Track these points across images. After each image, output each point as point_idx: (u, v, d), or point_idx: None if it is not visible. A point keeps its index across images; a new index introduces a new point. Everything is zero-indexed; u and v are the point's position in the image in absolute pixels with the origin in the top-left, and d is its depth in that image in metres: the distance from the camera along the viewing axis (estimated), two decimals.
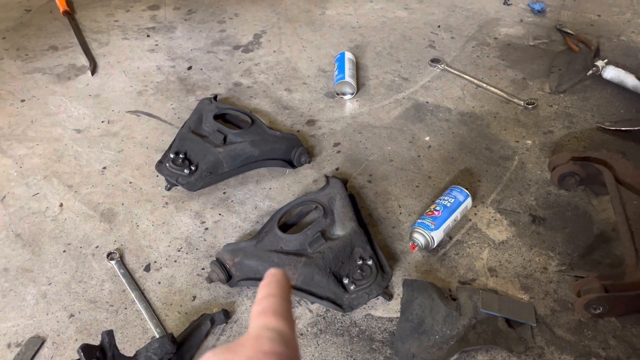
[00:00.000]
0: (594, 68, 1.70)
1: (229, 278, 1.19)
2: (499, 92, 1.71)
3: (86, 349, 0.88)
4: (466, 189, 1.32)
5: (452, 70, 1.83)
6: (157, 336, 1.10)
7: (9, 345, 1.13)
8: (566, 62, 1.81)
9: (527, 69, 1.82)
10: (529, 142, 1.54)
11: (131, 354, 1.00)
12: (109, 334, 0.93)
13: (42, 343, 1.13)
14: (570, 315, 1.12)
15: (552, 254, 1.24)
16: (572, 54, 1.84)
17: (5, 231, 1.37)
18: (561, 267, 1.21)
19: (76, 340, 1.13)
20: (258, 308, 0.41)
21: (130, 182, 1.48)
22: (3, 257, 1.31)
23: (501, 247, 1.26)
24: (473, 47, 1.95)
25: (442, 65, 1.84)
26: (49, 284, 1.24)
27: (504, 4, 2.19)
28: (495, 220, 1.33)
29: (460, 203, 1.30)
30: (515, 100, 1.67)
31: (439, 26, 2.08)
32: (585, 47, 1.84)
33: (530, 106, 1.64)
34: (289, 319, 0.41)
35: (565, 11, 2.11)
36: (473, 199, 1.35)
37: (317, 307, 1.17)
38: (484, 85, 1.75)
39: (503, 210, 1.35)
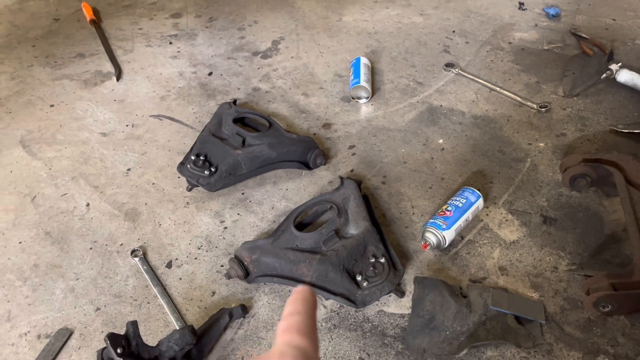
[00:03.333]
0: (607, 71, 1.72)
1: (246, 274, 1.24)
2: (512, 95, 1.74)
3: (112, 337, 0.93)
4: (478, 190, 1.35)
5: (466, 75, 1.86)
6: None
7: (39, 337, 1.20)
8: (580, 65, 1.83)
9: (541, 72, 1.84)
10: (542, 144, 1.56)
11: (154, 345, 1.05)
12: (133, 324, 0.98)
13: (70, 334, 1.20)
14: (579, 313, 1.14)
15: (562, 253, 1.26)
16: (586, 58, 1.86)
17: (35, 229, 1.44)
18: (571, 267, 1.23)
19: (102, 332, 1.19)
20: (284, 324, 0.42)
21: (153, 183, 1.55)
22: (33, 253, 1.38)
23: (512, 247, 1.29)
24: (487, 51, 1.98)
25: (457, 70, 1.88)
26: (77, 279, 1.31)
27: (519, 9, 2.21)
28: (506, 220, 1.36)
29: (472, 204, 1.33)
30: (529, 103, 1.70)
31: (453, 31, 2.11)
32: (599, 50, 1.85)
33: (543, 109, 1.66)
34: (313, 337, 0.42)
35: (580, 15, 2.13)
36: (485, 200, 1.38)
37: (331, 303, 1.21)
38: (498, 89, 1.77)
39: (514, 211, 1.37)
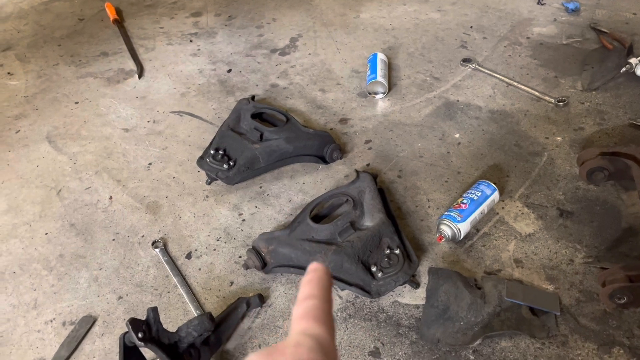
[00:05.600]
0: (627, 65, 1.70)
1: (263, 265, 1.26)
2: (529, 90, 1.73)
3: (134, 322, 0.97)
4: (494, 183, 1.36)
5: (483, 70, 1.86)
6: None
7: (64, 324, 1.24)
8: (599, 59, 1.81)
9: (560, 67, 1.83)
10: (559, 138, 1.55)
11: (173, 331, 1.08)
12: (154, 310, 1.01)
13: (94, 322, 1.24)
14: (595, 306, 1.14)
15: (579, 246, 1.26)
16: (606, 52, 1.84)
17: (61, 221, 1.49)
18: (587, 259, 1.23)
19: (124, 319, 1.23)
20: (299, 311, 0.40)
21: (174, 177, 1.58)
22: (59, 244, 1.42)
23: (528, 240, 1.29)
24: (505, 46, 1.98)
25: (474, 65, 1.88)
26: (100, 269, 1.35)
27: (538, 3, 2.20)
28: (522, 214, 1.36)
29: (487, 196, 1.33)
30: (546, 97, 1.69)
31: (471, 27, 2.11)
32: (619, 44, 1.83)
33: (561, 103, 1.66)
34: (329, 324, 0.40)
35: (600, 10, 2.11)
36: (501, 194, 1.38)
37: (347, 293, 1.23)
38: (515, 83, 1.77)
39: (531, 205, 1.38)
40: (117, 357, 1.15)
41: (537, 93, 1.72)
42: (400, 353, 1.11)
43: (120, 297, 1.28)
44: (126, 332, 0.98)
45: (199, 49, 2.17)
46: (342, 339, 1.15)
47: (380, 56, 1.85)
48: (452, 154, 1.56)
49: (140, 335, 0.96)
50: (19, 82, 2.08)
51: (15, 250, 1.42)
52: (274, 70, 2.00)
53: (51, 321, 1.24)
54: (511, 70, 1.85)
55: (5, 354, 1.19)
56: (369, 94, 1.79)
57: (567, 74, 1.80)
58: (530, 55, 1.91)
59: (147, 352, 1.03)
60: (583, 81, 1.74)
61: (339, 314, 1.19)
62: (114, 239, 1.42)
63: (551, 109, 1.66)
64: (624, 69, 1.70)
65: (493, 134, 1.61)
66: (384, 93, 1.78)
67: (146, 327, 0.98)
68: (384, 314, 1.18)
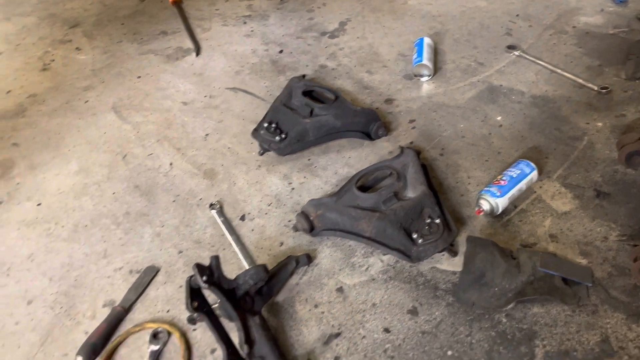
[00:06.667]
0: None
1: (311, 228, 1.37)
2: (573, 77, 1.77)
3: (199, 267, 1.08)
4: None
5: (527, 57, 1.90)
6: None
7: (130, 272, 1.37)
8: None
9: (604, 56, 1.86)
10: (600, 124, 1.60)
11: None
12: (216, 258, 1.13)
13: (157, 272, 1.37)
14: (626, 280, 1.20)
15: (613, 225, 1.32)
16: None
17: (126, 183, 1.63)
18: (621, 237, 1.28)
19: (184, 271, 1.36)
20: None
21: (229, 147, 1.70)
22: (125, 203, 1.56)
23: (563, 217, 1.35)
24: (550, 35, 2.01)
25: (518, 52, 1.93)
26: (162, 226, 1.48)
27: None
28: (559, 193, 1.42)
29: (526, 175, 1.40)
30: (589, 85, 1.73)
31: (517, 15, 2.15)
32: None
33: (604, 91, 1.69)
34: None
35: None
36: (539, 174, 1.44)
37: (388, 258, 1.32)
38: (559, 71, 1.81)
39: (568, 185, 1.43)
40: (179, 302, 1.29)
41: (580, 80, 1.76)
42: (436, 313, 1.19)
43: (180, 252, 1.41)
44: (192, 276, 1.09)
45: (252, 31, 2.28)
46: (382, 297, 1.24)
47: (427, 40, 1.92)
48: (493, 135, 1.62)
49: (204, 278, 1.07)
50: (86, 56, 2.24)
51: (86, 207, 1.56)
52: (323, 52, 2.09)
53: (119, 269, 1.38)
54: (555, 58, 1.89)
55: (80, 295, 1.33)
56: (415, 76, 1.87)
57: (611, 63, 1.83)
58: (576, 44, 1.95)
59: (209, 295, 1.15)
60: (627, 70, 1.77)
61: (380, 276, 1.28)
62: (174, 201, 1.55)
63: (593, 96, 1.70)
64: None
65: (534, 118, 1.66)
66: (429, 76, 1.85)
67: (209, 273, 1.10)
68: (423, 278, 1.27)
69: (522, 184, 1.39)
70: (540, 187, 1.44)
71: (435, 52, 1.97)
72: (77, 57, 2.24)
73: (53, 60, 2.25)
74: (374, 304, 1.23)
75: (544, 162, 1.50)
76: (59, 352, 1.21)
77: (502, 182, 1.37)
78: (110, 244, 1.45)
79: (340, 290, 1.27)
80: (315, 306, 1.24)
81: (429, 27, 2.15)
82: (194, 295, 1.10)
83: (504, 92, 1.77)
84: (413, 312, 1.20)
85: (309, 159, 1.63)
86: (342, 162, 1.61)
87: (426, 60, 1.83)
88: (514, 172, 1.40)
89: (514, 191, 1.37)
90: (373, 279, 1.28)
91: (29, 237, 1.49)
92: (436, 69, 1.90)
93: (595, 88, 1.71)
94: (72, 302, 1.32)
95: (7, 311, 1.31)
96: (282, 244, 1.39)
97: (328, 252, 1.36)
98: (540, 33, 2.03)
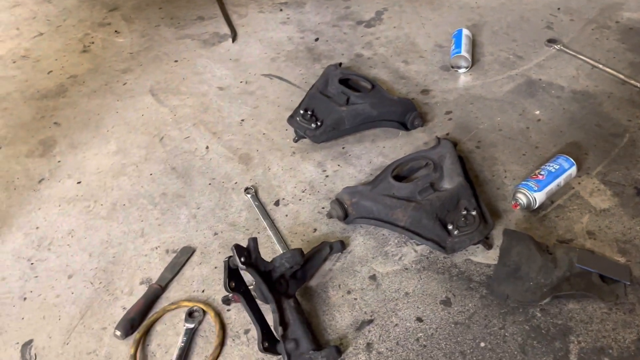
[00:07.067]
0: None
1: (345, 216, 1.37)
2: (615, 73, 1.74)
3: (238, 248, 1.10)
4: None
5: (568, 51, 1.87)
6: None
7: (167, 251, 1.40)
8: None
9: None
10: None
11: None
12: (254, 240, 1.15)
13: (193, 252, 1.39)
14: None
15: None
16: None
17: (163, 165, 1.66)
18: None
19: (219, 252, 1.38)
20: None
21: (264, 133, 1.72)
22: (162, 184, 1.59)
23: (602, 214, 1.33)
24: (592, 29, 1.97)
25: (559, 46, 1.89)
26: (198, 208, 1.50)
27: None
28: (598, 190, 1.40)
29: (565, 170, 1.38)
30: (632, 81, 1.69)
31: (558, 9, 2.11)
32: None
33: None
34: None
35: None
36: (578, 170, 1.42)
37: (422, 248, 1.32)
38: (600, 66, 1.78)
39: (608, 182, 1.41)
40: (214, 283, 1.31)
41: (622, 76, 1.72)
42: (470, 305, 1.19)
43: (216, 234, 1.43)
44: (230, 256, 1.11)
45: (288, 18, 2.29)
46: (415, 287, 1.24)
47: (466, 32, 1.90)
48: (531, 130, 1.60)
49: (242, 259, 1.09)
50: (124, 39, 2.27)
51: (124, 186, 1.60)
52: (359, 41, 2.09)
53: (156, 248, 1.41)
54: (597, 53, 1.85)
55: (117, 272, 1.37)
56: (452, 67, 1.85)
57: None
58: (618, 39, 1.90)
59: (246, 276, 1.16)
60: None
61: (413, 266, 1.29)
62: (210, 184, 1.57)
63: (636, 92, 1.67)
64: None
65: (574, 113, 1.63)
66: (466, 67, 1.84)
67: (247, 254, 1.12)
68: (457, 269, 1.27)
69: (561, 179, 1.37)
70: (579, 183, 1.42)
71: (473, 44, 1.95)
72: (115, 40, 2.28)
73: (92, 43, 2.29)
74: (406, 293, 1.23)
75: (583, 158, 1.48)
76: (98, 325, 1.25)
77: (540, 177, 1.36)
78: (148, 223, 1.48)
79: (373, 278, 1.27)
80: (348, 292, 1.25)
81: (467, 19, 2.13)
82: (232, 275, 1.12)
83: (543, 87, 1.75)
84: (446, 302, 1.20)
85: (343, 148, 1.64)
86: (377, 151, 1.61)
87: (464, 51, 1.82)
88: (552, 166, 1.38)
89: (552, 186, 1.35)
90: (406, 269, 1.28)
91: (69, 213, 1.53)
92: (474, 60, 1.88)
93: (638, 85, 1.67)
94: (110, 278, 1.35)
95: (48, 284, 1.36)
96: (315, 230, 1.40)
97: (361, 240, 1.36)
98: (582, 27, 1.99)
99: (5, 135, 1.83)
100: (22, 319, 1.29)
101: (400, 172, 1.47)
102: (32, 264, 1.41)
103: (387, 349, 1.13)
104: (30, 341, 1.24)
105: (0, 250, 1.46)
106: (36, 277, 1.38)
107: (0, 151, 1.77)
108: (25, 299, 1.33)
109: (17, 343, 1.24)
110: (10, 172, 1.69)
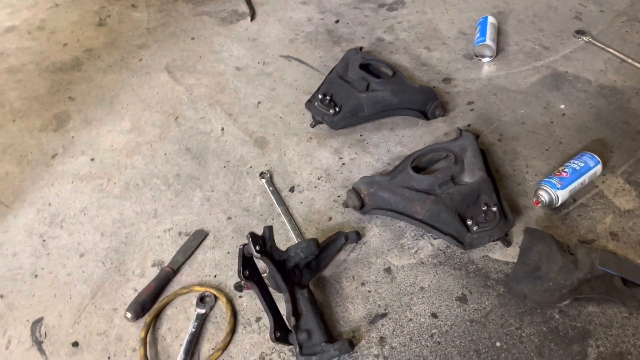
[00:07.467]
0: None
1: (362, 206, 1.35)
2: None
3: (253, 236, 1.08)
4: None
5: (596, 43, 1.81)
6: None
7: (179, 234, 1.39)
8: None
9: None
10: None
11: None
12: (269, 228, 1.13)
13: (206, 236, 1.38)
14: None
15: None
16: None
17: (177, 145, 1.63)
18: None
19: (232, 237, 1.36)
20: None
21: (280, 117, 1.69)
22: (176, 165, 1.57)
23: (626, 215, 1.30)
24: (623, 22, 1.91)
25: (587, 38, 1.83)
26: (212, 191, 1.48)
27: None
28: (623, 190, 1.36)
29: (590, 168, 1.34)
30: None
31: None
32: None
33: None
34: None
35: None
36: (603, 168, 1.38)
37: (439, 242, 1.29)
38: (630, 60, 1.72)
39: (633, 182, 1.37)
40: (226, 268, 1.29)
41: None
42: (486, 302, 1.17)
43: (229, 218, 1.41)
44: (245, 244, 1.09)
45: None
46: (431, 282, 1.22)
47: (491, 20, 1.85)
48: (555, 124, 1.56)
49: (257, 248, 1.07)
50: (141, 14, 2.23)
51: (138, 165, 1.58)
52: (380, 24, 2.04)
53: (169, 230, 1.40)
54: (627, 47, 1.79)
55: (130, 253, 1.35)
56: (476, 56, 1.80)
57: None
58: None
59: (259, 263, 1.15)
60: None
61: (429, 260, 1.26)
62: (224, 166, 1.55)
63: None
64: None
65: (600, 108, 1.59)
66: (491, 57, 1.78)
67: (262, 242, 1.10)
68: (474, 266, 1.24)
69: (585, 178, 1.33)
70: (603, 182, 1.38)
71: (498, 33, 1.89)
72: (132, 14, 2.24)
73: (109, 16, 2.25)
74: (422, 288, 1.21)
75: (608, 156, 1.44)
76: (109, 305, 1.24)
77: (564, 174, 1.32)
78: (161, 204, 1.46)
79: (388, 270, 1.25)
80: (362, 284, 1.23)
81: (493, 6, 2.06)
82: (246, 263, 1.10)
83: (569, 80, 1.69)
84: (462, 299, 1.18)
85: (361, 135, 1.60)
86: (395, 140, 1.57)
87: (489, 40, 1.76)
88: (577, 164, 1.34)
89: (575, 184, 1.32)
90: (422, 263, 1.26)
91: (82, 190, 1.52)
92: (498, 50, 1.83)
93: None
94: (122, 259, 1.34)
95: (60, 262, 1.35)
96: (330, 218, 1.38)
97: (377, 232, 1.34)
98: (612, 19, 1.92)
99: (20, 108, 1.82)
100: (33, 296, 1.28)
101: (419, 164, 1.44)
102: (44, 240, 1.40)
103: (400, 344, 1.12)
104: (41, 319, 1.24)
105: (13, 225, 1.45)
106: (48, 254, 1.37)
107: (14, 124, 1.76)
108: (36, 276, 1.33)
109: (28, 320, 1.24)
110: (23, 146, 1.67)
